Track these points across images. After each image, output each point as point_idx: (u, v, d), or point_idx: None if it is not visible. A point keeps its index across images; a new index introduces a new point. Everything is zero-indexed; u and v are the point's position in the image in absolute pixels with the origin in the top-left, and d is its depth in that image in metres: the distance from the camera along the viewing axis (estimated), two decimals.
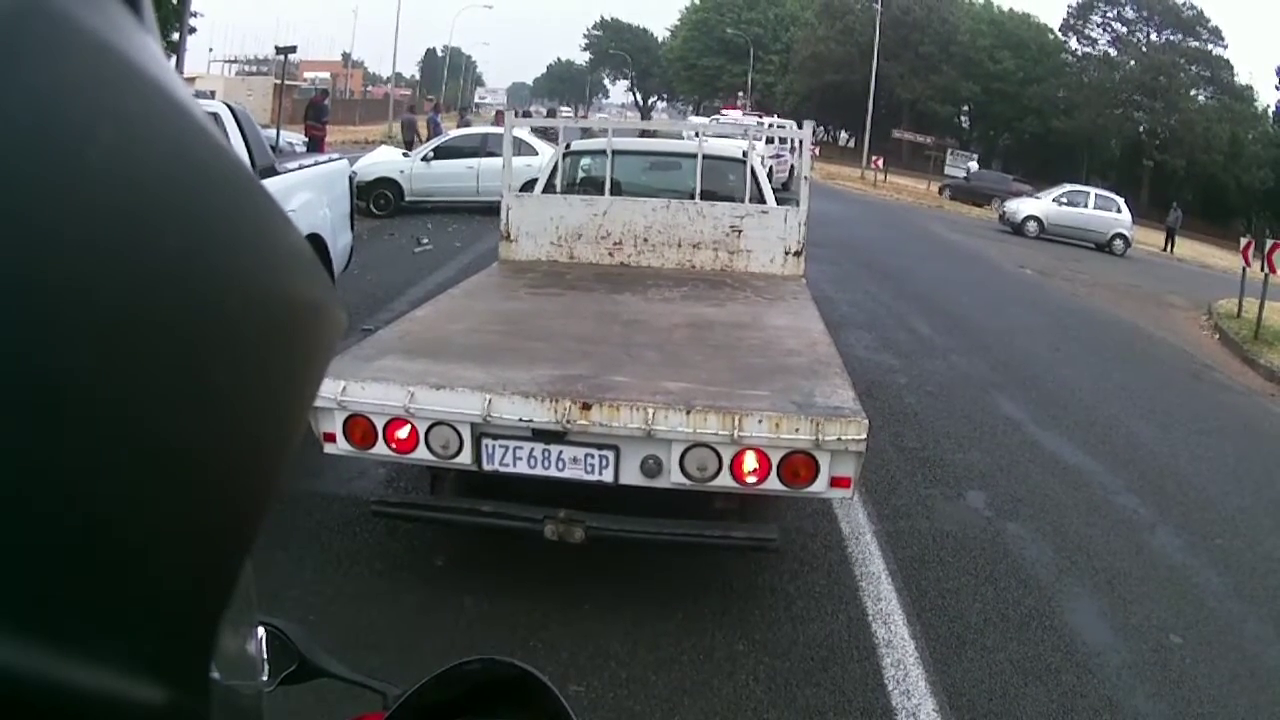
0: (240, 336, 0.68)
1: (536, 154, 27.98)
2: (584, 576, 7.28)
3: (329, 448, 6.81)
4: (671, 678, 6.35)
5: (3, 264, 0.51)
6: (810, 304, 10.26)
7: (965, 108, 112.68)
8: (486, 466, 6.73)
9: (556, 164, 13.09)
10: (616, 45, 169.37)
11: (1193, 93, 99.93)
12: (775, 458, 6.37)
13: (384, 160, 30.79)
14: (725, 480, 6.48)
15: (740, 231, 11.95)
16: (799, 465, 6.38)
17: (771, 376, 7.27)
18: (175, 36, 41.42)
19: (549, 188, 12.80)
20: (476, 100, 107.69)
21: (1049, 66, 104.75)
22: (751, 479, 6.46)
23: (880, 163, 75.99)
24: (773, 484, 6.46)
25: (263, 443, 0.73)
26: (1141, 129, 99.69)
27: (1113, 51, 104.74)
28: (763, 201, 12.37)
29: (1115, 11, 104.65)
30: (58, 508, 0.54)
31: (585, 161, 13.66)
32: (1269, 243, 22.66)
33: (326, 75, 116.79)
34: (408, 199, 29.37)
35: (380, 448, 6.73)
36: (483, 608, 6.99)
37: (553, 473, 6.72)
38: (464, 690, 1.72)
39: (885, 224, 43.35)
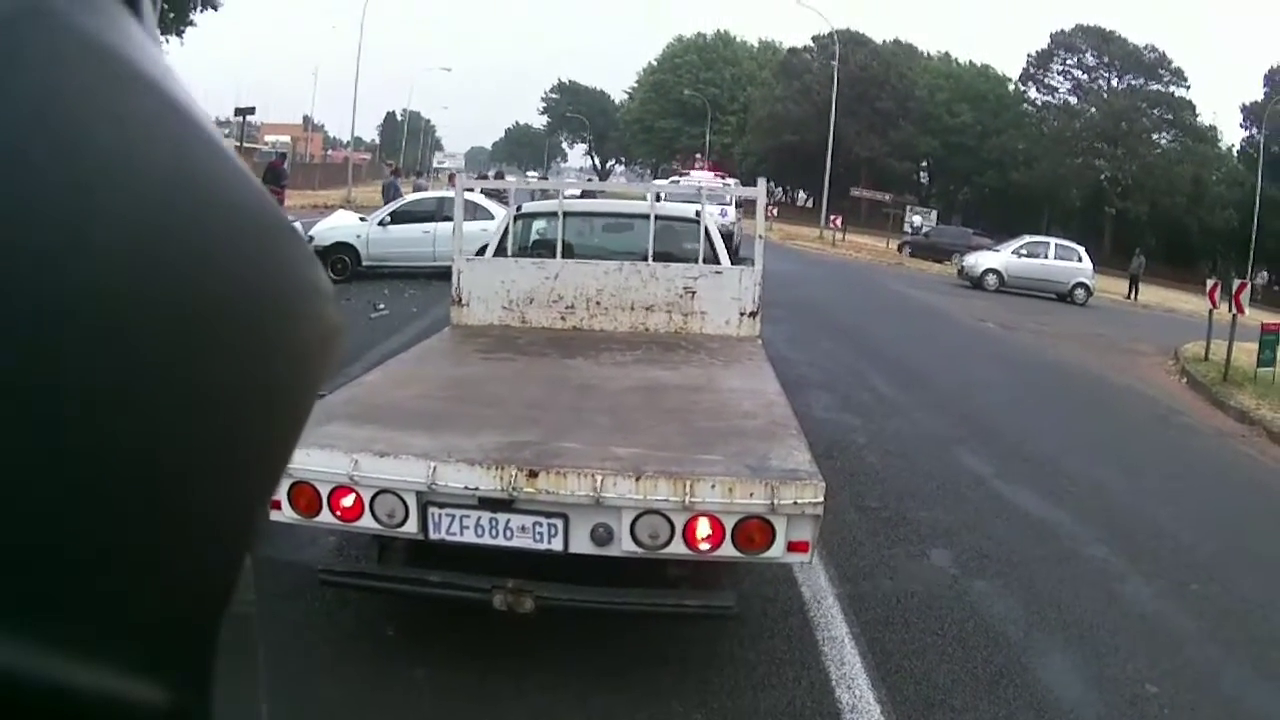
0: (241, 338, 0.70)
1: (492, 218, 27.41)
2: (537, 645, 6.97)
3: (274, 515, 6.39)
4: None
5: (3, 265, 0.53)
6: (766, 365, 10.19)
7: (924, 163, 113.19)
8: (433, 535, 6.53)
9: (507, 226, 12.96)
10: (574, 108, 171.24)
11: (1155, 136, 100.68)
12: (729, 523, 6.19)
13: (341, 225, 30.69)
14: (678, 547, 6.29)
15: (694, 293, 11.81)
16: (754, 530, 6.19)
17: (725, 440, 7.13)
18: None
19: (500, 250, 12.69)
20: (435, 165, 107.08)
21: (1008, 118, 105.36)
22: (705, 545, 6.26)
23: (839, 221, 75.90)
24: (727, 550, 6.27)
25: (262, 444, 0.74)
26: (1103, 176, 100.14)
27: (1073, 99, 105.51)
28: (717, 262, 12.27)
29: (1076, 59, 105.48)
30: (58, 509, 0.56)
31: (537, 224, 13.59)
32: (1235, 283, 22.72)
33: (287, 139, 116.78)
34: (365, 263, 29.14)
35: (325, 515, 6.51)
36: (434, 680, 6.75)
37: (500, 542, 6.50)
38: None
39: (843, 283, 43.36)
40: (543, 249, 12.73)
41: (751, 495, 6.11)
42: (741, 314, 11.78)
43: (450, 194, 31.50)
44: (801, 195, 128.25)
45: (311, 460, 6.34)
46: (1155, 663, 7.79)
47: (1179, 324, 40.17)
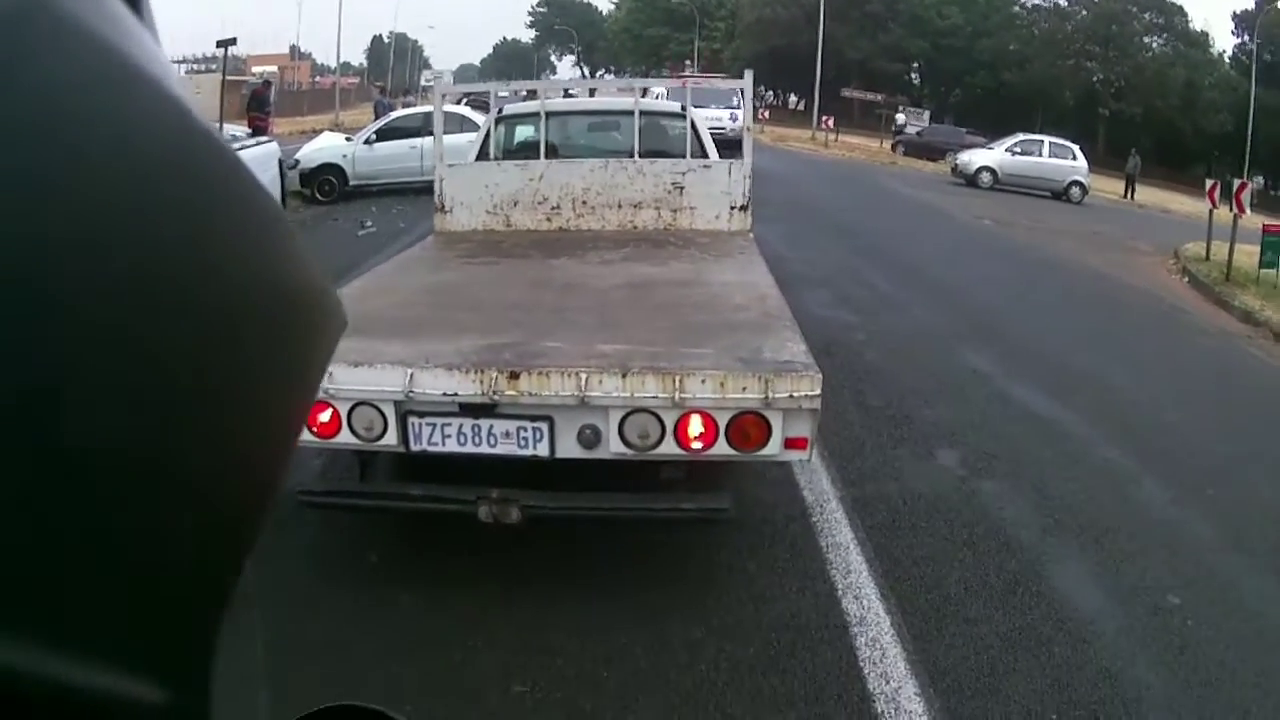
0: (241, 334, 0.70)
1: (478, 128, 27.55)
2: (526, 563, 6.78)
3: None
4: (624, 671, 5.82)
5: (3, 263, 0.52)
6: (758, 259, 9.94)
7: (915, 65, 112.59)
8: (414, 447, 6.32)
9: (489, 130, 12.79)
10: (562, 21, 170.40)
11: (1147, 40, 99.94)
12: (722, 420, 5.97)
13: (327, 146, 30.37)
14: (670, 447, 6.05)
15: (683, 189, 11.67)
16: (749, 427, 5.97)
17: (716, 334, 6.86)
18: None
19: (483, 155, 12.48)
20: (423, 83, 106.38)
21: (998, 20, 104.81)
22: (698, 444, 6.01)
23: (830, 122, 75.04)
24: (721, 449, 6.03)
25: (264, 440, 0.74)
26: (1095, 79, 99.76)
27: (1063, 2, 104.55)
28: (705, 156, 12.20)
29: None
30: (58, 507, 0.55)
31: (520, 127, 13.33)
32: (1235, 183, 22.54)
33: (274, 69, 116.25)
34: (352, 183, 28.90)
35: (303, 434, 5.70)
36: (420, 605, 6.49)
37: (484, 449, 6.30)
38: None
39: (837, 181, 42.90)
40: (527, 151, 12.45)
41: (745, 389, 5.91)
42: (732, 208, 11.66)
43: (429, 109, 31.46)
44: (793, 99, 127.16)
45: None
46: (1175, 571, 7.48)
47: (1176, 224, 39.82)
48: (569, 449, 6.19)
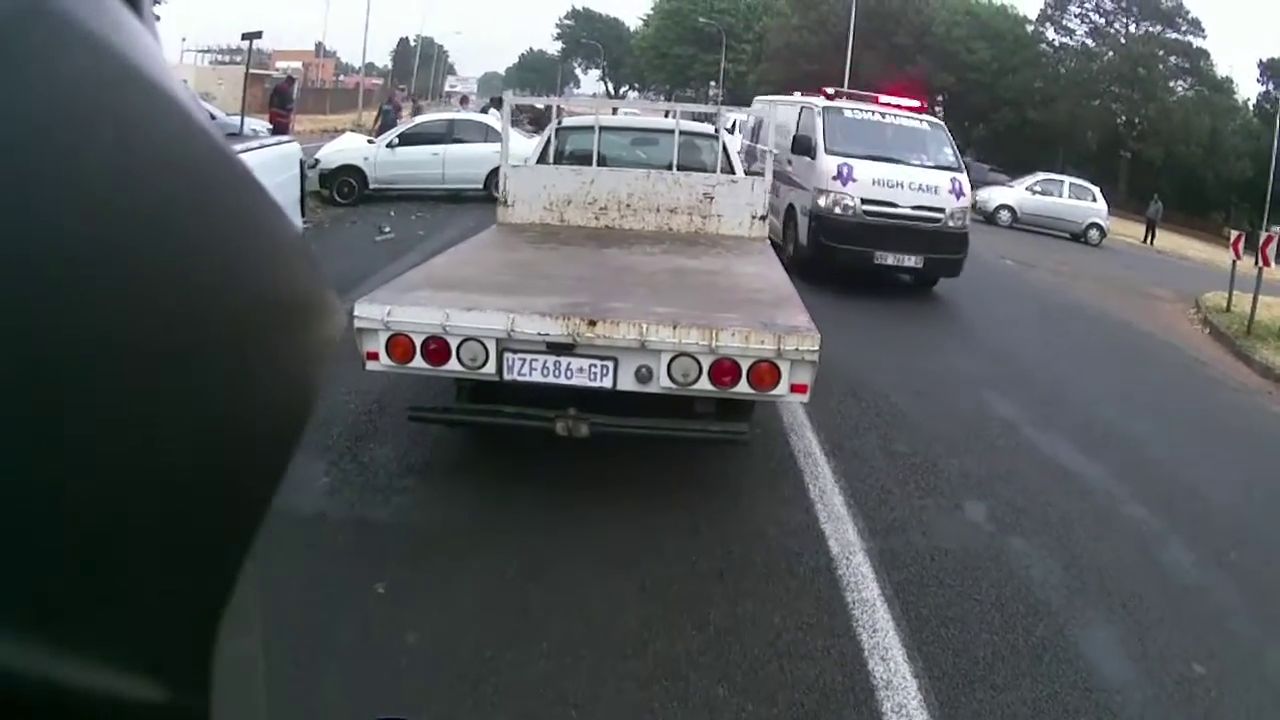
0: (240, 335, 0.71)
1: (501, 138, 27.61)
2: (540, 603, 6.96)
3: (371, 365, 8.06)
4: None
5: (3, 263, 0.53)
6: (774, 259, 11.93)
7: (940, 98, 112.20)
8: (507, 376, 8.04)
9: (549, 138, 14.64)
10: (588, 35, 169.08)
11: (1172, 84, 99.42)
12: (745, 365, 7.79)
13: (348, 147, 30.01)
14: (704, 384, 7.88)
15: (712, 198, 13.54)
16: (764, 372, 7.80)
17: (742, 306, 8.75)
18: None
19: (542, 159, 14.36)
20: (447, 89, 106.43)
21: (1025, 57, 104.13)
22: (726, 383, 7.85)
23: None
24: (743, 388, 7.87)
25: (264, 439, 0.75)
26: (1119, 119, 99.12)
27: (1090, 42, 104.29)
28: (733, 173, 14.34)
29: (1094, 2, 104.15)
30: (58, 508, 0.56)
31: (575, 136, 14.94)
32: (1262, 235, 22.51)
33: (298, 65, 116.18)
34: (372, 187, 28.58)
35: (418, 361, 7.97)
36: (426, 646, 6.48)
37: (562, 380, 8.05)
38: None
39: None
40: (581, 158, 14.25)
41: (763, 343, 7.72)
42: (753, 217, 13.56)
43: (461, 115, 31.06)
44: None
45: (410, 315, 7.90)
46: (1200, 639, 7.35)
47: (1194, 271, 39.75)
48: (628, 383, 7.97)
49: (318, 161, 28.09)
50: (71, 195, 0.56)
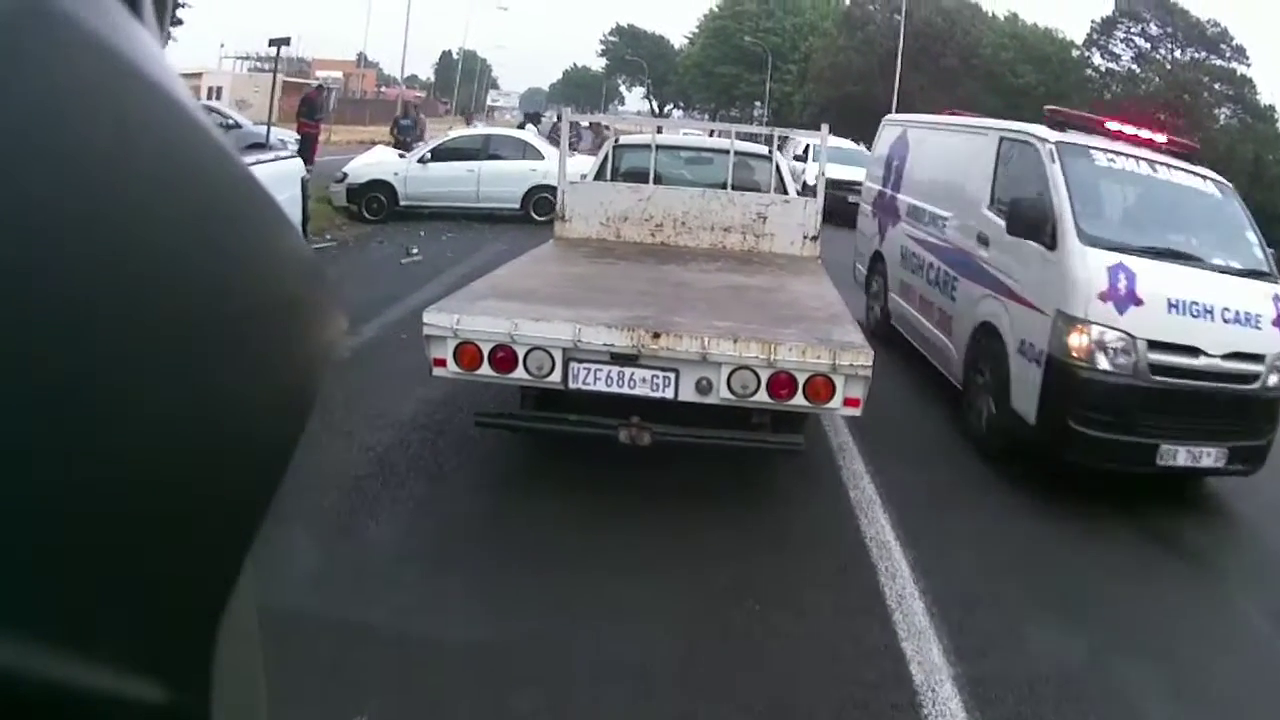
0: (240, 337, 0.72)
1: (543, 158, 27.68)
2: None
3: (438, 371, 8.48)
4: None
5: (3, 264, 0.54)
6: (826, 278, 12.25)
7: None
8: (572, 385, 8.44)
9: (607, 155, 15.28)
10: (633, 52, 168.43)
11: (1216, 111, 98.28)
12: (801, 379, 8.12)
13: (378, 162, 28.81)
14: (762, 396, 8.22)
15: (765, 218, 13.91)
16: (820, 386, 8.12)
17: (798, 321, 9.12)
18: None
19: (599, 175, 14.97)
20: (490, 103, 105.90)
21: (1071, 82, 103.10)
22: (783, 394, 8.17)
23: None
24: (799, 401, 8.22)
25: (263, 443, 0.76)
26: None
27: (1136, 68, 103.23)
28: (785, 193, 14.81)
29: (1139, 27, 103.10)
30: (58, 508, 0.58)
31: (632, 154, 15.47)
32: None
33: (338, 74, 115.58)
34: (402, 203, 27.44)
35: (485, 369, 8.35)
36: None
37: (625, 390, 8.41)
38: None
39: None
40: (636, 176, 14.65)
41: (819, 357, 8.07)
42: (805, 237, 13.86)
43: (498, 131, 29.92)
44: (862, 148, 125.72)
45: (478, 324, 8.28)
46: None
47: None
48: (688, 394, 8.34)
49: (345, 175, 27.13)
50: (71, 195, 0.57)
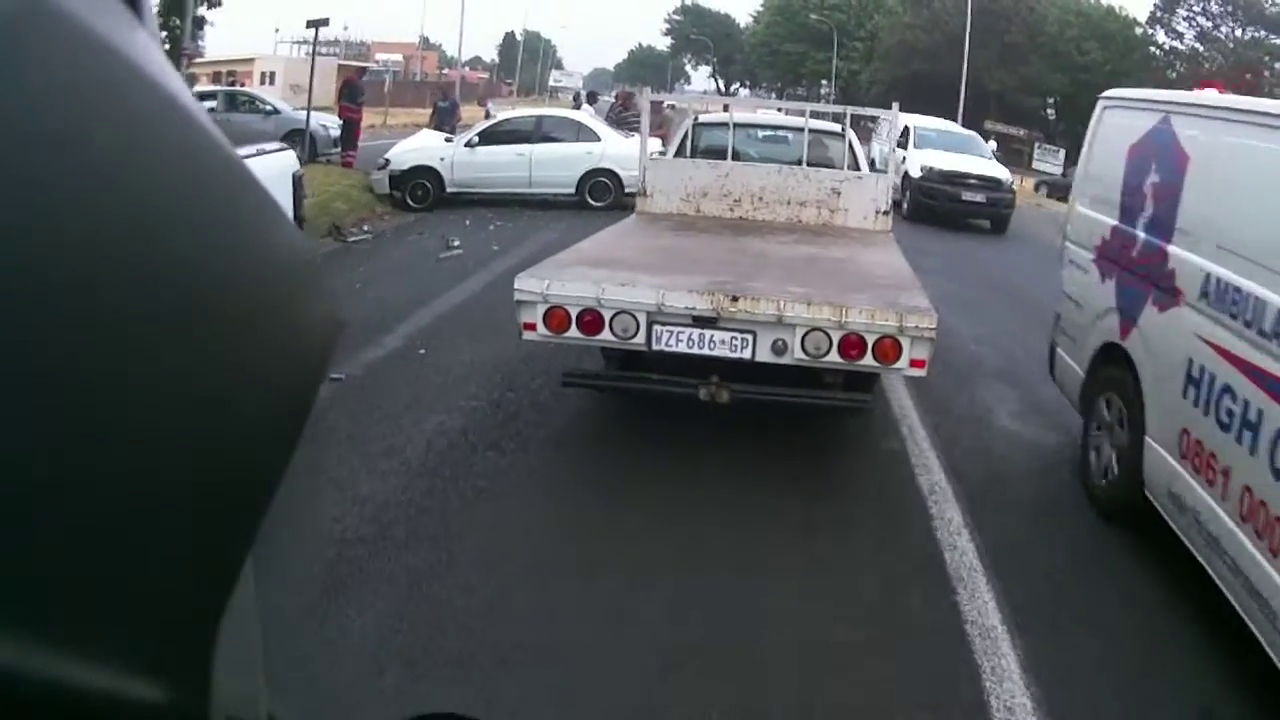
0: (240, 337, 0.72)
1: (599, 140, 27.42)
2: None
3: (527, 335, 8.93)
4: None
5: (2, 264, 0.54)
6: (896, 249, 12.63)
7: (1052, 100, 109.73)
8: (655, 346, 8.85)
9: (686, 133, 15.77)
10: (698, 31, 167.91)
11: (1277, 91, 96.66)
12: (871, 340, 8.49)
13: (423, 146, 27.40)
14: (834, 357, 8.60)
15: (839, 193, 14.22)
16: (888, 347, 8.49)
17: (868, 288, 9.52)
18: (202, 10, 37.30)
19: (680, 152, 15.51)
20: (551, 83, 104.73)
21: (1136, 60, 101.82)
22: (853, 355, 8.53)
23: None
24: (868, 361, 8.57)
25: (263, 441, 0.76)
26: None
27: (1199, 46, 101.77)
28: (858, 169, 15.24)
29: (1201, 5, 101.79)
30: (58, 508, 0.57)
31: (711, 132, 15.91)
32: None
33: (399, 57, 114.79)
34: (449, 190, 26.01)
35: (572, 331, 8.77)
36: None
37: (705, 351, 8.81)
38: None
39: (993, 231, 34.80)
40: (716, 152, 14.97)
41: (887, 320, 8.47)
42: (877, 212, 14.21)
43: (552, 112, 31.56)
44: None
45: (568, 289, 8.72)
46: None
47: None
48: (765, 354, 8.70)
49: (387, 162, 25.98)
50: (70, 195, 0.57)
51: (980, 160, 32.53)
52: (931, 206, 30.56)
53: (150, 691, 0.62)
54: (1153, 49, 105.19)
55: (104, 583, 0.59)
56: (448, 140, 27.76)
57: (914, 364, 8.60)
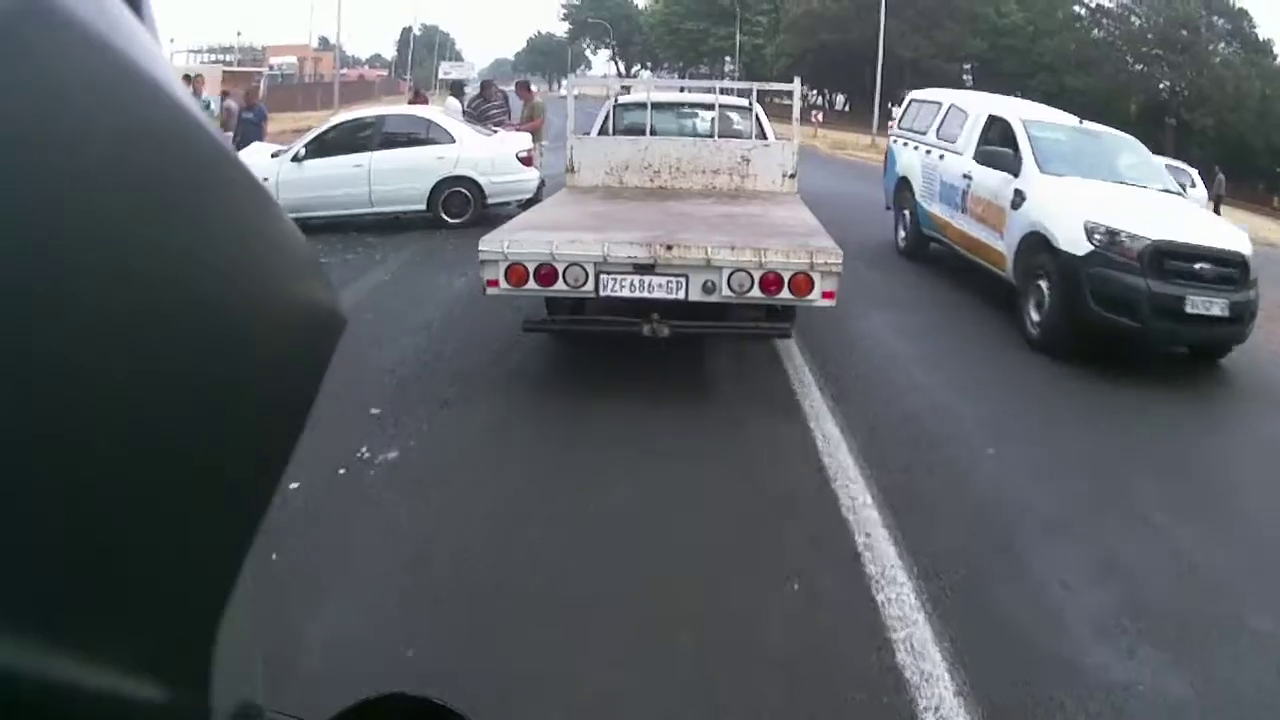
0: (240, 336, 0.72)
1: (454, 141, 22.23)
2: None
3: (490, 290, 10.42)
4: None
5: (2, 261, 0.55)
6: (803, 206, 14.30)
7: (968, 66, 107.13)
8: (603, 293, 10.41)
9: (609, 113, 17.32)
10: (595, 15, 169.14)
11: (1211, 48, 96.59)
12: (787, 276, 10.11)
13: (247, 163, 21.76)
14: (756, 293, 10.21)
15: (749, 160, 16.04)
16: (801, 282, 10.10)
17: (781, 235, 11.23)
18: None
19: (602, 131, 17.15)
20: (441, 75, 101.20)
21: (1061, 20, 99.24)
22: (772, 290, 10.17)
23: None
24: (785, 295, 10.22)
25: (263, 441, 0.77)
26: (1162, 85, 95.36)
27: (1129, 1, 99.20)
28: (765, 138, 17.14)
29: None
30: (58, 507, 0.58)
31: (629, 111, 17.43)
32: None
33: (293, 59, 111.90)
34: None
35: (530, 284, 10.30)
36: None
37: (645, 295, 10.35)
38: None
39: None
40: (634, 130, 16.76)
41: (800, 258, 10.13)
42: (784, 175, 16.04)
43: (396, 111, 25.66)
44: (840, 99, 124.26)
45: (522, 248, 10.30)
46: None
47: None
48: (696, 294, 10.31)
49: None
50: (70, 194, 0.57)
51: (1187, 210, 15.77)
52: (1116, 325, 13.42)
53: (150, 691, 0.62)
54: (1077, 8, 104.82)
55: (104, 583, 0.59)
56: (274, 155, 22.21)
57: (825, 295, 10.19)
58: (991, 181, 16.39)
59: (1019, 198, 15.35)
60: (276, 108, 57.09)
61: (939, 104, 20.50)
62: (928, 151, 19.87)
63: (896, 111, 30.92)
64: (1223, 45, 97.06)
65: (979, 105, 19.08)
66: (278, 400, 0.76)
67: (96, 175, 0.59)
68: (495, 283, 10.24)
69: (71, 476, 0.56)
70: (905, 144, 21.51)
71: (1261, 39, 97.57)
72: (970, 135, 18.07)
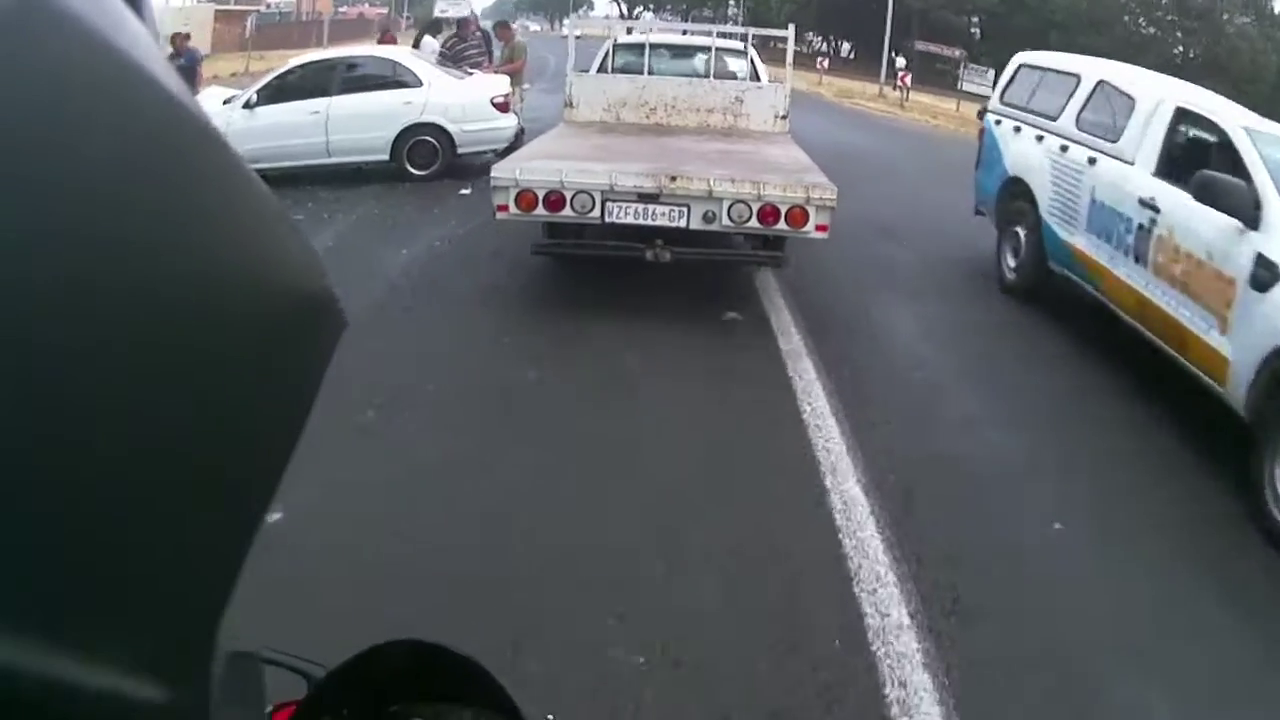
0: (240, 333, 0.73)
1: (420, 85, 20.34)
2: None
3: (500, 215, 11.11)
4: None
5: (2, 262, 0.55)
6: (796, 146, 14.74)
7: (977, 19, 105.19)
8: (608, 219, 11.13)
9: (608, 52, 17.93)
10: None
11: (1226, 17, 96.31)
12: (783, 208, 10.83)
13: None
14: (754, 224, 11.03)
15: (742, 101, 16.63)
16: (797, 215, 10.85)
17: (778, 170, 11.88)
18: None
19: (601, 69, 17.80)
20: (437, 13, 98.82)
21: None
22: (770, 221, 10.94)
23: (908, 79, 64.68)
24: (782, 226, 10.97)
25: (263, 440, 0.78)
26: (1176, 50, 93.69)
27: None
28: (759, 79, 17.78)
29: None
30: (58, 507, 0.59)
31: (628, 51, 18.05)
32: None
33: None
34: None
35: (540, 210, 10.97)
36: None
37: (648, 222, 11.10)
38: (394, 671, 1.49)
39: (944, 167, 26.14)
40: (633, 69, 17.30)
41: (797, 193, 10.88)
42: (775, 115, 16.62)
43: (357, 52, 24.81)
44: (846, 47, 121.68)
45: (532, 175, 10.99)
46: None
47: None
48: (697, 223, 11.10)
49: None
50: (68, 189, 0.58)
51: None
52: None
53: (150, 691, 0.62)
54: None
55: (104, 583, 0.60)
56: (225, 103, 20.05)
57: (819, 228, 11.07)
58: (1201, 226, 9.52)
59: (1268, 273, 8.45)
60: (266, 46, 55.31)
61: (1076, 77, 13.50)
62: (1063, 147, 12.87)
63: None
64: (1239, 17, 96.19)
65: (1152, 90, 12.11)
66: (278, 400, 0.75)
67: (96, 173, 0.59)
68: (505, 208, 10.95)
69: (71, 476, 0.57)
70: (1017, 128, 14.54)
71: (1278, 13, 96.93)
72: (1146, 135, 11.36)
